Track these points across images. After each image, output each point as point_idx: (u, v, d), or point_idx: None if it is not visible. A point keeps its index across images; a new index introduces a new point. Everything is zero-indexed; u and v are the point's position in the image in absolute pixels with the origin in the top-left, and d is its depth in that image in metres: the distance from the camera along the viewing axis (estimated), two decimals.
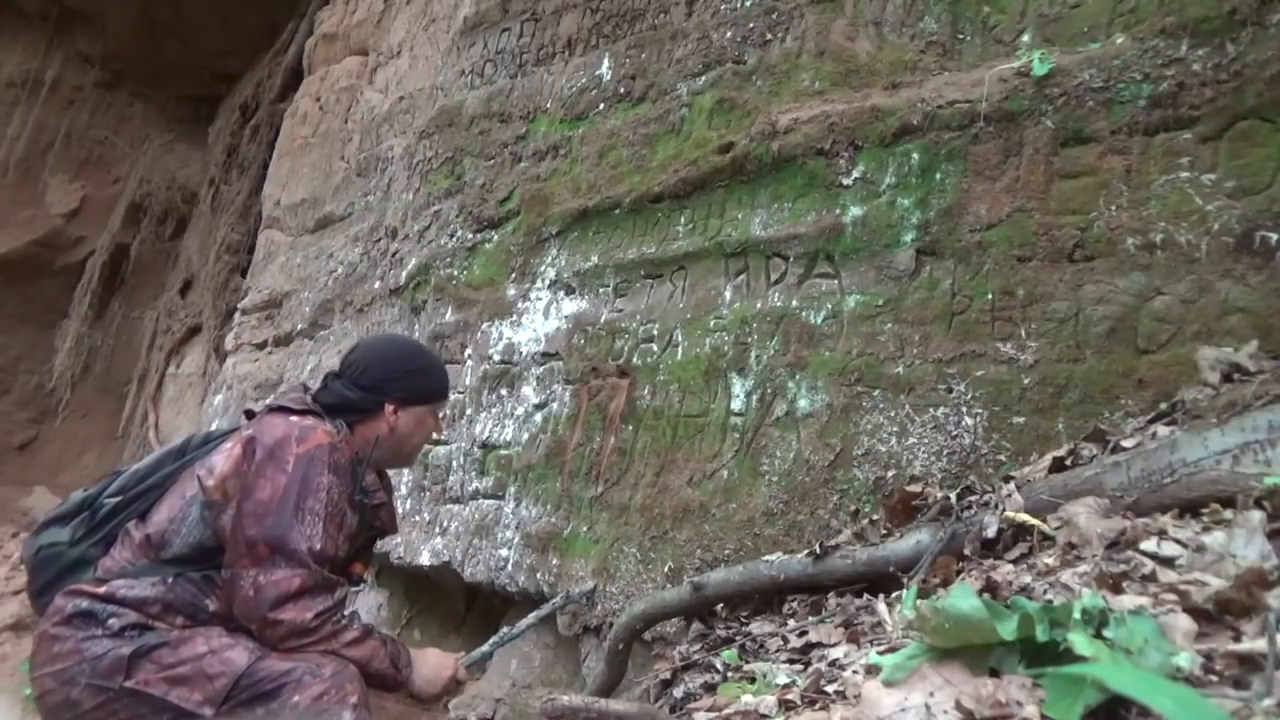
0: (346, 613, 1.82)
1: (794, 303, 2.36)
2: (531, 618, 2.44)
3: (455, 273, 3.44)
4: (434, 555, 3.08)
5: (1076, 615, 1.02)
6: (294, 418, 1.82)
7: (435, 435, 2.07)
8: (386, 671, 1.80)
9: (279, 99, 8.08)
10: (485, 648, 2.27)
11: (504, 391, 3.07)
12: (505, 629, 2.38)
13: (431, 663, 1.94)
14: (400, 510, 3.31)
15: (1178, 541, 1.26)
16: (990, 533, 1.57)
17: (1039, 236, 1.97)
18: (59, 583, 1.75)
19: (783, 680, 1.44)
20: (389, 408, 1.94)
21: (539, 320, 3.05)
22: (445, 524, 3.09)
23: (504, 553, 2.84)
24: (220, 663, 1.64)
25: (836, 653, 1.47)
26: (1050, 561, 1.37)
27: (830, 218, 2.33)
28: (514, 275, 3.19)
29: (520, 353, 3.07)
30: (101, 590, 1.70)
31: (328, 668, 1.66)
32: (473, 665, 2.13)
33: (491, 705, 2.83)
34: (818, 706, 1.24)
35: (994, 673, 1.02)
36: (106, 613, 1.68)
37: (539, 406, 2.93)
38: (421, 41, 4.96)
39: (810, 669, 1.44)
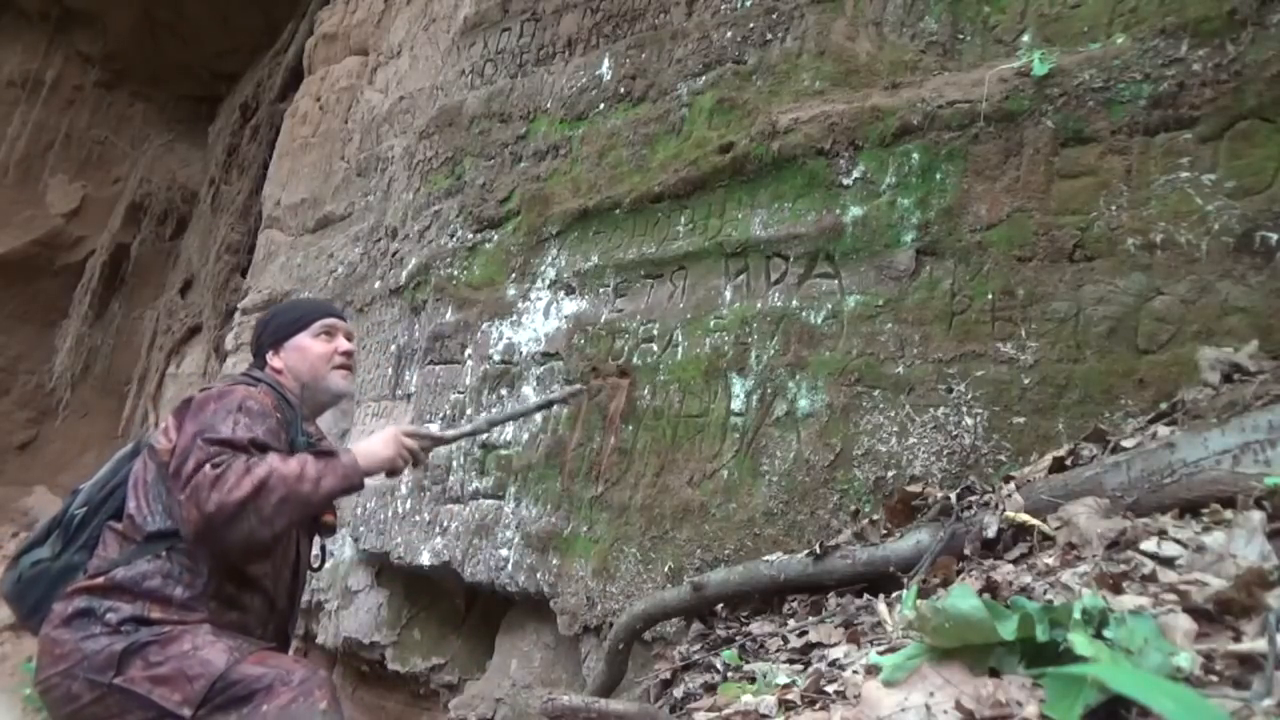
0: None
1: (794, 303, 2.36)
2: (511, 412, 2.64)
3: (455, 273, 3.44)
4: (434, 555, 3.08)
5: (1076, 615, 1.02)
6: (219, 388, 1.93)
7: (341, 351, 2.06)
8: (325, 471, 1.77)
9: (279, 99, 8.09)
10: (457, 431, 2.33)
11: (504, 391, 3.07)
12: (482, 416, 2.56)
13: (371, 437, 1.97)
14: (400, 510, 3.31)
15: (1178, 541, 1.26)
16: (990, 533, 1.57)
17: (1039, 236, 1.97)
18: (52, 594, 1.79)
19: (783, 680, 1.44)
20: (270, 355, 2.05)
21: (539, 320, 3.05)
22: (445, 524, 3.09)
23: (504, 553, 2.84)
24: (199, 664, 1.66)
25: (836, 653, 1.47)
26: (1050, 561, 1.37)
27: (830, 218, 2.33)
28: (514, 275, 3.19)
29: (520, 353, 3.07)
30: (100, 580, 1.73)
31: (296, 674, 1.68)
32: (429, 438, 2.08)
33: (491, 705, 2.83)
34: (818, 706, 1.24)
35: (994, 673, 1.02)
36: (104, 607, 1.70)
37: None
38: (421, 41, 4.96)
39: (810, 669, 1.44)
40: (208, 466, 1.66)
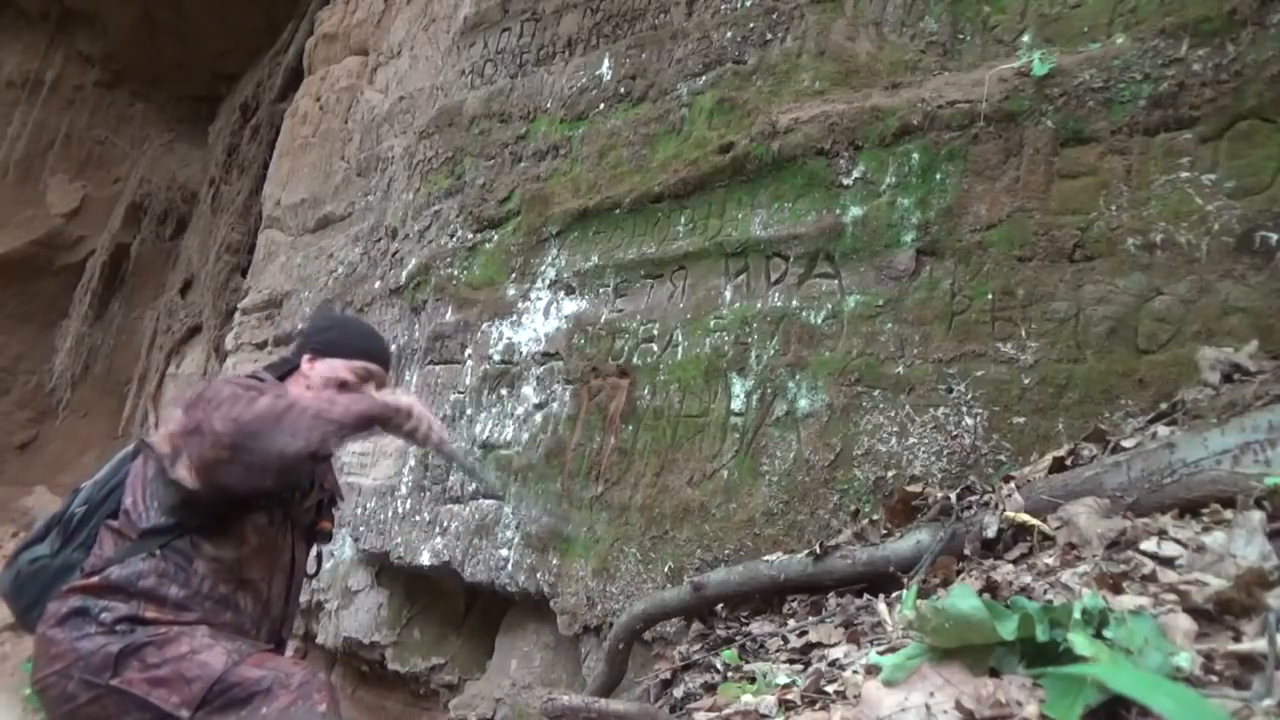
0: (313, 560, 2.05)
1: (794, 303, 2.36)
2: (511, 498, 2.74)
3: (455, 273, 3.44)
4: (434, 555, 3.08)
5: (1076, 615, 1.02)
6: (221, 379, 1.90)
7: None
8: (352, 400, 1.74)
9: (279, 99, 8.09)
10: (461, 451, 2.25)
11: (504, 391, 3.07)
12: (474, 462, 2.73)
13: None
14: (400, 510, 3.32)
15: (1178, 541, 1.26)
16: (990, 533, 1.57)
17: (1039, 236, 1.97)
18: (48, 591, 1.78)
19: (783, 680, 1.44)
20: (305, 357, 1.99)
21: (539, 320, 3.05)
22: (445, 524, 3.09)
23: (504, 553, 2.84)
24: (197, 666, 1.65)
25: (836, 653, 1.47)
26: (1050, 561, 1.37)
27: (830, 218, 2.33)
28: (514, 275, 3.19)
29: (520, 353, 3.07)
30: (95, 580, 1.72)
31: (296, 677, 1.67)
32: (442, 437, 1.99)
33: (491, 705, 2.83)
34: (818, 706, 1.24)
35: (994, 673, 1.02)
36: (99, 607, 1.70)
37: (539, 406, 2.93)
38: (421, 41, 4.97)
39: (810, 669, 1.44)
40: (238, 388, 1.68)
